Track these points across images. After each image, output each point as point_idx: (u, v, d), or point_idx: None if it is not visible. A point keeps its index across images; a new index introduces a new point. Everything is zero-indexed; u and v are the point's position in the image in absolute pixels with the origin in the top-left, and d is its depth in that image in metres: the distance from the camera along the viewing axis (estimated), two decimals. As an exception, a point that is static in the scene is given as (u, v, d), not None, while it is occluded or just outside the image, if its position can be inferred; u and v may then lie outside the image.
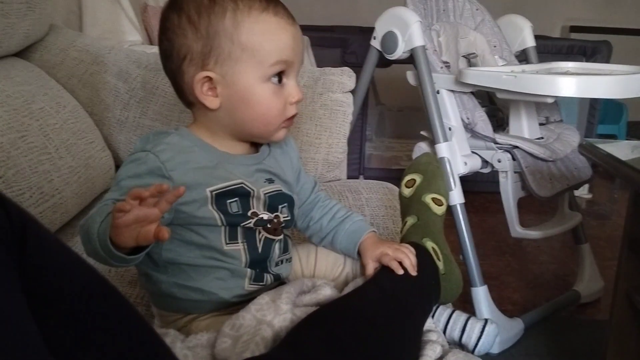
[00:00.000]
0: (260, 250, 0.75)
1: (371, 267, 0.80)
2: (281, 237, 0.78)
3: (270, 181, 0.78)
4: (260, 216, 0.74)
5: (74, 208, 1.09)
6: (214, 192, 0.71)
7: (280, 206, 0.78)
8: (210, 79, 0.72)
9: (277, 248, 0.77)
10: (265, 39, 0.72)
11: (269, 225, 0.75)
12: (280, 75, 0.74)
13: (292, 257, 0.83)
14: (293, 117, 0.77)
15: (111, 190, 0.71)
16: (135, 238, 0.59)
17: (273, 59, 0.72)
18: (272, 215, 0.76)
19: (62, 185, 1.04)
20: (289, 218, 0.79)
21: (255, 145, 0.81)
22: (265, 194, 0.76)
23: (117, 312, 0.48)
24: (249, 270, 0.74)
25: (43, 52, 1.31)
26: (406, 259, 0.77)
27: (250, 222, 0.73)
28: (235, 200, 0.73)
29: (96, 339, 0.45)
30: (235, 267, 0.73)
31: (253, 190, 0.74)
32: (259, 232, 0.75)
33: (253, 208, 0.74)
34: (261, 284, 0.75)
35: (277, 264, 0.78)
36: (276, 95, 0.74)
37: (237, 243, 0.73)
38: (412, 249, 0.80)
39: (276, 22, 0.72)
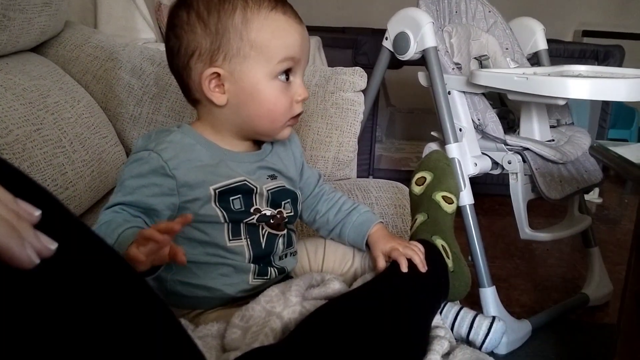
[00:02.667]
0: (263, 245, 0.76)
1: (382, 261, 0.81)
2: (284, 232, 0.79)
3: (273, 177, 0.79)
4: (263, 212, 0.75)
5: (87, 201, 1.10)
6: (217, 190, 0.72)
7: (283, 202, 0.79)
8: (218, 75, 0.73)
9: (280, 243, 0.78)
10: (274, 36, 0.72)
11: (271, 221, 0.76)
12: (287, 72, 0.75)
13: (297, 250, 0.83)
14: (299, 115, 0.78)
15: (116, 191, 0.71)
16: (151, 262, 0.60)
17: (281, 55, 0.73)
18: (275, 211, 0.77)
19: (75, 178, 1.05)
20: (292, 214, 0.80)
21: (258, 143, 0.82)
22: (268, 190, 0.76)
23: (140, 294, 0.48)
24: (252, 265, 0.74)
25: (58, 47, 1.33)
26: (415, 256, 0.78)
27: (253, 219, 0.74)
28: (238, 197, 0.74)
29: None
30: (238, 263, 0.74)
31: (256, 187, 0.75)
32: (262, 228, 0.76)
33: (256, 204, 0.75)
34: (265, 277, 0.76)
35: (281, 258, 0.79)
36: (283, 93, 0.75)
37: (240, 239, 0.74)
38: (422, 247, 0.80)
39: (285, 21, 0.74)
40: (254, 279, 0.75)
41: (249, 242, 0.74)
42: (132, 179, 0.70)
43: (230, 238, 0.73)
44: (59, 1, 1.24)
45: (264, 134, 0.79)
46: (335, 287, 0.73)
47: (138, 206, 0.69)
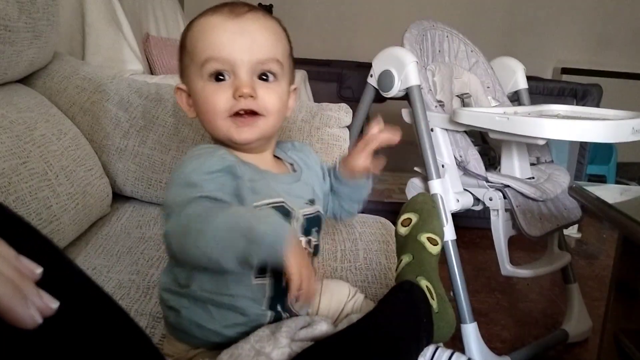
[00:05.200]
0: (284, 283, 0.70)
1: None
2: None
3: (312, 202, 0.77)
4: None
5: (71, 234, 1.10)
6: (257, 208, 0.69)
7: (313, 229, 0.77)
8: (187, 91, 0.75)
9: None
10: (199, 38, 0.72)
11: None
12: (220, 76, 0.71)
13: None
14: (245, 113, 0.72)
15: (180, 194, 0.65)
16: None
17: (204, 56, 0.71)
18: (306, 239, 0.75)
19: (60, 211, 1.05)
20: (317, 243, 0.78)
21: (286, 165, 0.81)
22: (303, 215, 0.75)
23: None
24: (269, 313, 0.72)
25: (46, 79, 1.34)
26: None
27: None
28: None
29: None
30: (257, 310, 0.71)
31: (293, 210, 0.73)
32: None
33: None
34: None
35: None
36: (218, 92, 0.71)
37: (265, 277, 0.71)
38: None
39: (210, 21, 0.72)
40: None
41: (272, 281, 0.71)
42: (201, 175, 0.66)
43: (256, 275, 0.70)
44: (48, 33, 1.25)
45: (224, 139, 0.75)
46: (322, 328, 0.73)
47: (217, 199, 0.65)
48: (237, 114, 0.72)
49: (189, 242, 0.62)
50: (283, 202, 0.72)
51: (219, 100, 0.71)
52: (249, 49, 0.71)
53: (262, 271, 0.71)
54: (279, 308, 0.74)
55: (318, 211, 0.78)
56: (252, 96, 0.71)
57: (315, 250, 0.78)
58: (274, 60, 0.73)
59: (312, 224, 0.77)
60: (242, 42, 0.71)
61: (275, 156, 0.82)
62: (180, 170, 0.68)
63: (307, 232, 0.76)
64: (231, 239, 0.60)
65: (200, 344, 0.73)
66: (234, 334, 0.71)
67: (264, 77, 0.73)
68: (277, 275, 0.72)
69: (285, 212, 0.72)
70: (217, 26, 0.71)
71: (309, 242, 0.76)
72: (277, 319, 0.73)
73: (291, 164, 0.82)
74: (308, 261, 0.62)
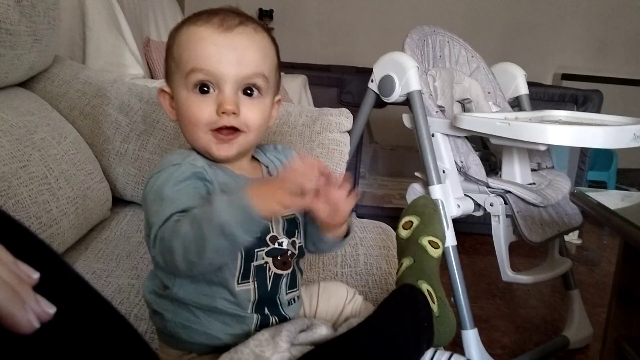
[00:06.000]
0: (269, 287, 0.73)
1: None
2: (289, 271, 0.76)
3: None
4: (281, 241, 0.73)
5: (70, 238, 1.09)
6: None
7: (296, 231, 0.77)
8: (171, 95, 0.76)
9: (283, 284, 0.75)
10: (185, 48, 0.72)
11: (279, 258, 0.73)
12: (204, 87, 0.71)
13: (300, 294, 0.81)
14: (225, 129, 0.72)
15: (155, 211, 0.66)
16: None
17: (189, 66, 0.71)
18: (290, 241, 0.75)
19: (60, 215, 1.05)
20: (302, 244, 0.78)
21: (261, 169, 0.81)
22: (283, 217, 0.75)
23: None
24: (255, 315, 0.72)
25: (47, 83, 1.33)
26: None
27: (263, 250, 0.72)
28: None
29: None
30: (241, 313, 0.71)
31: None
32: (269, 269, 0.73)
33: (272, 231, 0.73)
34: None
35: (289, 303, 0.76)
36: (201, 104, 0.71)
37: (248, 282, 0.71)
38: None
39: (199, 32, 0.71)
40: (256, 330, 0.72)
41: (255, 285, 0.72)
42: (171, 187, 0.67)
43: (239, 281, 0.71)
44: (49, 37, 1.25)
45: (200, 151, 0.75)
46: (322, 332, 0.73)
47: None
48: (218, 129, 0.72)
49: (182, 259, 0.63)
50: None
51: (202, 113, 0.71)
52: (237, 64, 0.71)
53: (245, 276, 0.71)
54: (266, 311, 0.73)
55: (294, 213, 0.77)
56: (234, 113, 0.71)
57: (301, 252, 0.78)
58: (260, 75, 0.73)
59: (294, 225, 0.77)
60: (230, 56, 0.71)
61: (254, 158, 0.82)
62: (151, 185, 0.70)
63: (290, 233, 0.76)
64: (214, 245, 0.61)
65: (191, 348, 0.73)
66: (222, 335, 0.71)
67: (249, 92, 0.73)
68: (260, 279, 0.72)
69: None
70: (206, 38, 0.71)
71: (292, 243, 0.75)
72: (264, 321, 0.73)
73: (267, 167, 0.81)
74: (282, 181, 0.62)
